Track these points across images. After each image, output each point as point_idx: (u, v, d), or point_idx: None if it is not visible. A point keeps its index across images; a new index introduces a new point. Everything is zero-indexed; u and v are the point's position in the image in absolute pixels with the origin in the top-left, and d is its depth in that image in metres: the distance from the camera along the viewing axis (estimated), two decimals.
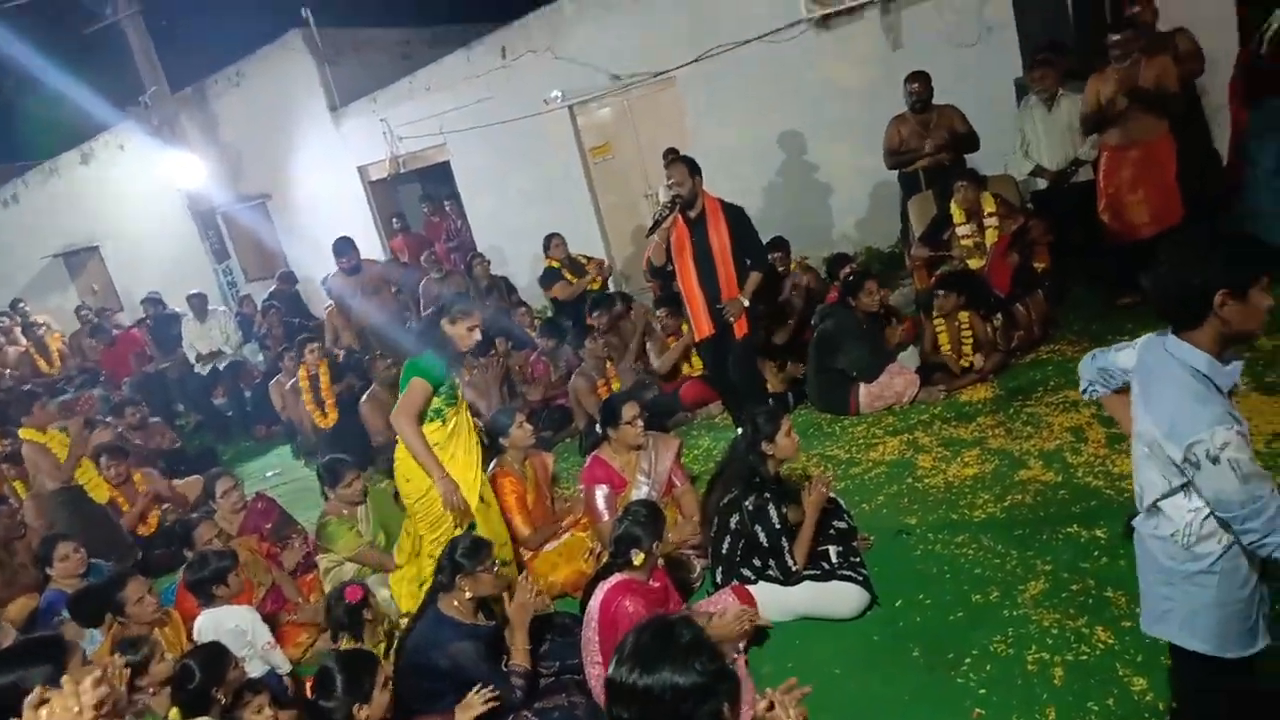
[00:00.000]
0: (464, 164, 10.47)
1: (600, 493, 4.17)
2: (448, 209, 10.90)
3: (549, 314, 8.49)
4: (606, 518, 4.05)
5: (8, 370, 10.30)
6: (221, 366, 8.86)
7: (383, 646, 3.67)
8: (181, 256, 12.29)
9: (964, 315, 5.48)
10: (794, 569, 3.48)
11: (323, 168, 11.31)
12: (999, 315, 5.62)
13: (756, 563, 3.55)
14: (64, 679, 1.67)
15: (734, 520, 3.57)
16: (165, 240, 12.45)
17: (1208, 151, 6.07)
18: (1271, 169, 5.32)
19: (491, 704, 2.94)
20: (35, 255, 13.34)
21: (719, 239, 5.01)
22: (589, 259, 8.21)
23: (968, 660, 3.06)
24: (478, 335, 3.95)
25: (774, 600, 3.48)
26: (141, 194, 12.26)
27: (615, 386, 6.18)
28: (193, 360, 8.95)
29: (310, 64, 10.88)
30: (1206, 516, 1.97)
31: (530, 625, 3.26)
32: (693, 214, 5.05)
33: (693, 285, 5.14)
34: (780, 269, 6.38)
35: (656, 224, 5.18)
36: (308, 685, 3.26)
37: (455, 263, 9.65)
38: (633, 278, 9.75)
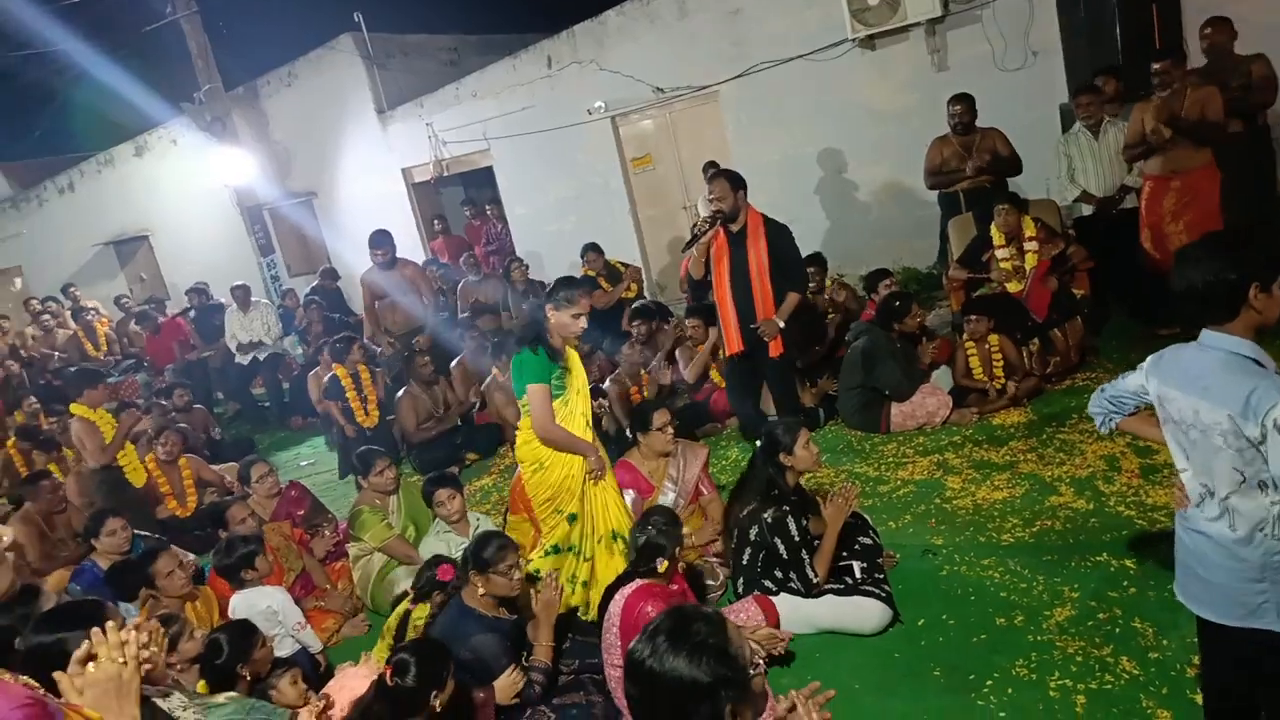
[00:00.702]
0: (506, 169, 10.60)
1: (628, 497, 4.19)
2: (489, 213, 11.03)
3: None
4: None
5: (56, 353, 10.58)
6: (262, 357, 9.02)
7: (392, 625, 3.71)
8: (228, 249, 12.55)
9: (994, 339, 5.45)
10: (815, 581, 3.48)
11: (368, 168, 11.51)
12: (1035, 340, 5.57)
13: (778, 574, 3.54)
14: (109, 624, 1.73)
15: (754, 532, 3.58)
16: (212, 233, 12.72)
17: (1269, 182, 5.93)
18: None
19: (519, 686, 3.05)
20: (88, 243, 13.67)
21: (758, 257, 5.01)
22: (625, 265, 8.25)
23: (989, 683, 3.04)
24: (583, 323, 3.69)
25: (795, 612, 3.47)
26: (191, 188, 12.55)
27: (647, 394, 6.22)
28: (234, 350, 9.13)
29: (360, 67, 11.09)
30: None
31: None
32: (734, 228, 5.05)
33: (726, 300, 5.14)
34: (812, 284, 6.37)
35: (695, 238, 5.18)
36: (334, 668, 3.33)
37: (494, 266, 9.76)
38: (668, 288, 9.80)
